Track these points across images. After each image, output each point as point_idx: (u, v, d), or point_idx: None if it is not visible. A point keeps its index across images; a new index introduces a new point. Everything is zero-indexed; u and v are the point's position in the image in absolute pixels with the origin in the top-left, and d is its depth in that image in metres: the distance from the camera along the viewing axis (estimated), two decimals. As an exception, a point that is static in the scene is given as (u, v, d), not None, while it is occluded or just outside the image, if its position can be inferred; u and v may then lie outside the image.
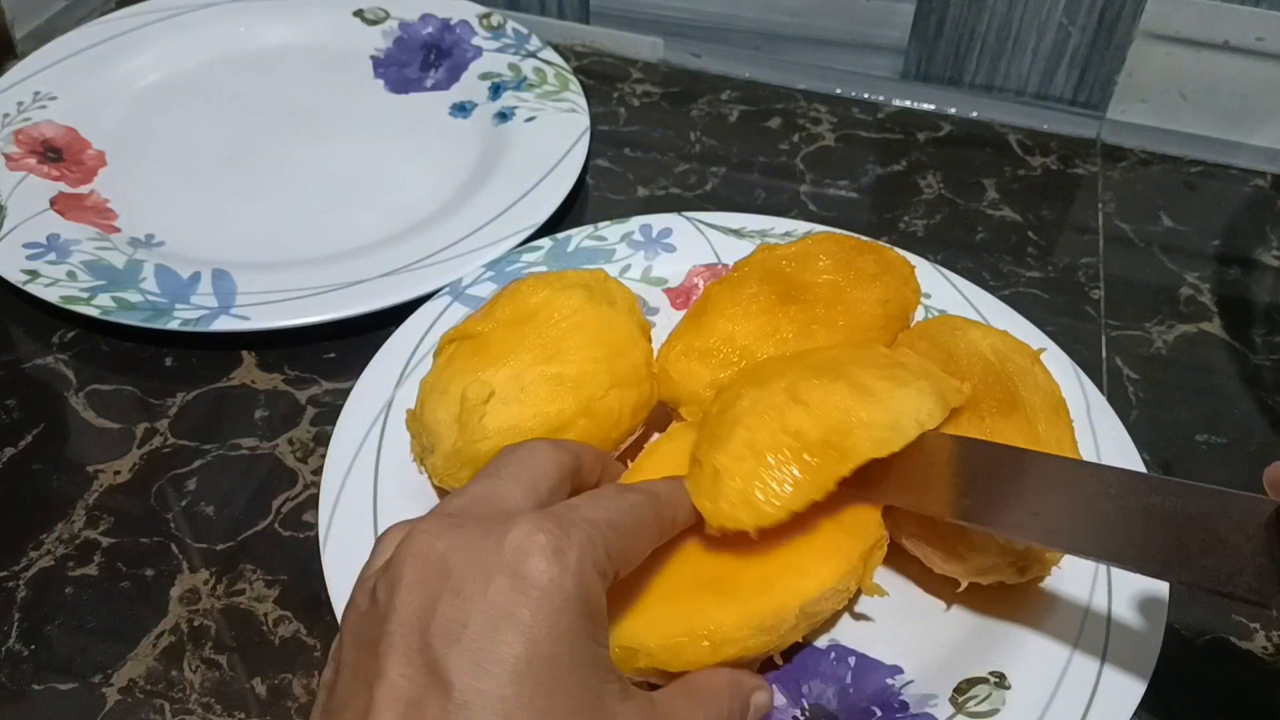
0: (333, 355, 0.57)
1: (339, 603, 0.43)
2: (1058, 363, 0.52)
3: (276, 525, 0.50)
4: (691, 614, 0.39)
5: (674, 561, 0.41)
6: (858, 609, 0.45)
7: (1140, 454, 0.49)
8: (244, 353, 0.57)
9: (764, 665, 0.41)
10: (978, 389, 0.45)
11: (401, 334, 0.54)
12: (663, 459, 0.45)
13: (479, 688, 0.30)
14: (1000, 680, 0.42)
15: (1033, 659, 0.43)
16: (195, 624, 0.46)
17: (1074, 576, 0.45)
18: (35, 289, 0.57)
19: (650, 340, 0.51)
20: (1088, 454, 0.48)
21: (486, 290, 0.56)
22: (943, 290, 0.57)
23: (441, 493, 0.48)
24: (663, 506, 0.39)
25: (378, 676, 0.31)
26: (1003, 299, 0.57)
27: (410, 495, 0.48)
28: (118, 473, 0.52)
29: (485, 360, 0.47)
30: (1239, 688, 0.45)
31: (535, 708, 0.31)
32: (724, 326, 0.49)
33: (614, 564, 0.35)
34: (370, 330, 0.56)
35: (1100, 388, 0.56)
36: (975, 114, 0.74)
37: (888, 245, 0.54)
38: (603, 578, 0.34)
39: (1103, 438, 0.50)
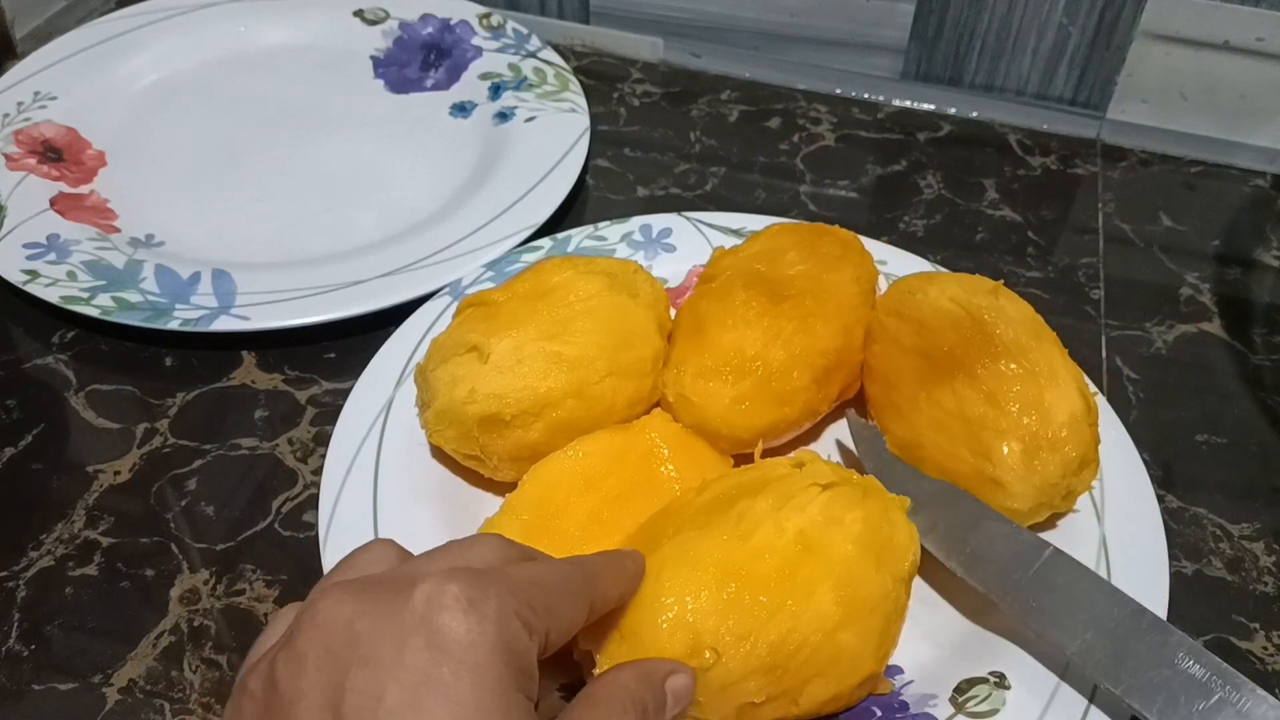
0: (332, 355, 0.57)
1: None
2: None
3: (276, 525, 0.50)
4: None
5: None
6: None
7: (1140, 454, 0.49)
8: (244, 353, 0.57)
9: None
10: (955, 345, 0.46)
11: (401, 334, 0.54)
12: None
13: None
14: (1000, 680, 0.42)
15: (1033, 659, 0.43)
16: (195, 624, 0.46)
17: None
18: (35, 289, 0.57)
19: (667, 339, 0.51)
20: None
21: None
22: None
23: (439, 453, 0.49)
24: (592, 576, 0.35)
25: None
26: (1003, 299, 0.57)
27: (410, 495, 0.48)
28: (118, 473, 0.52)
29: (493, 327, 0.48)
30: (1239, 688, 0.45)
31: None
32: (730, 339, 0.48)
33: (541, 619, 0.31)
34: (370, 330, 0.56)
35: (1100, 388, 0.56)
36: (975, 114, 0.74)
37: (829, 225, 0.55)
38: (529, 630, 0.31)
39: (1103, 438, 0.50)
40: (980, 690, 0.42)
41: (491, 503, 0.48)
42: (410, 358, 0.53)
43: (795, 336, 0.49)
